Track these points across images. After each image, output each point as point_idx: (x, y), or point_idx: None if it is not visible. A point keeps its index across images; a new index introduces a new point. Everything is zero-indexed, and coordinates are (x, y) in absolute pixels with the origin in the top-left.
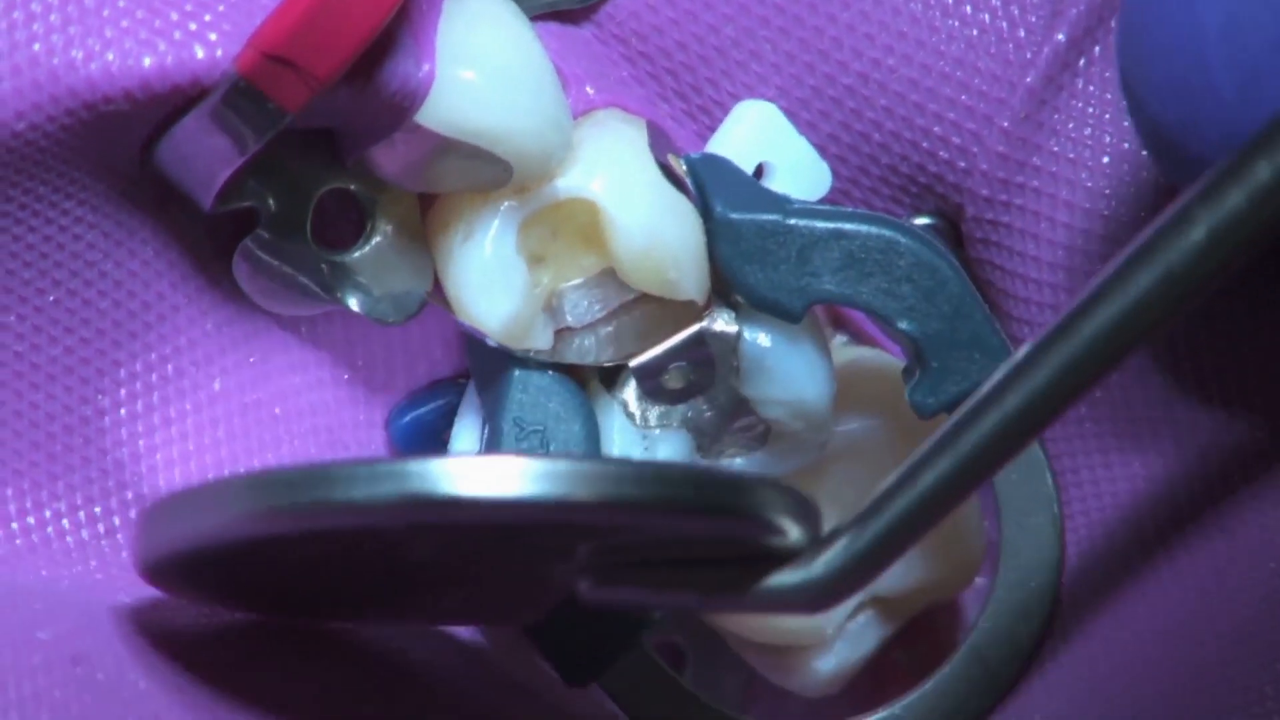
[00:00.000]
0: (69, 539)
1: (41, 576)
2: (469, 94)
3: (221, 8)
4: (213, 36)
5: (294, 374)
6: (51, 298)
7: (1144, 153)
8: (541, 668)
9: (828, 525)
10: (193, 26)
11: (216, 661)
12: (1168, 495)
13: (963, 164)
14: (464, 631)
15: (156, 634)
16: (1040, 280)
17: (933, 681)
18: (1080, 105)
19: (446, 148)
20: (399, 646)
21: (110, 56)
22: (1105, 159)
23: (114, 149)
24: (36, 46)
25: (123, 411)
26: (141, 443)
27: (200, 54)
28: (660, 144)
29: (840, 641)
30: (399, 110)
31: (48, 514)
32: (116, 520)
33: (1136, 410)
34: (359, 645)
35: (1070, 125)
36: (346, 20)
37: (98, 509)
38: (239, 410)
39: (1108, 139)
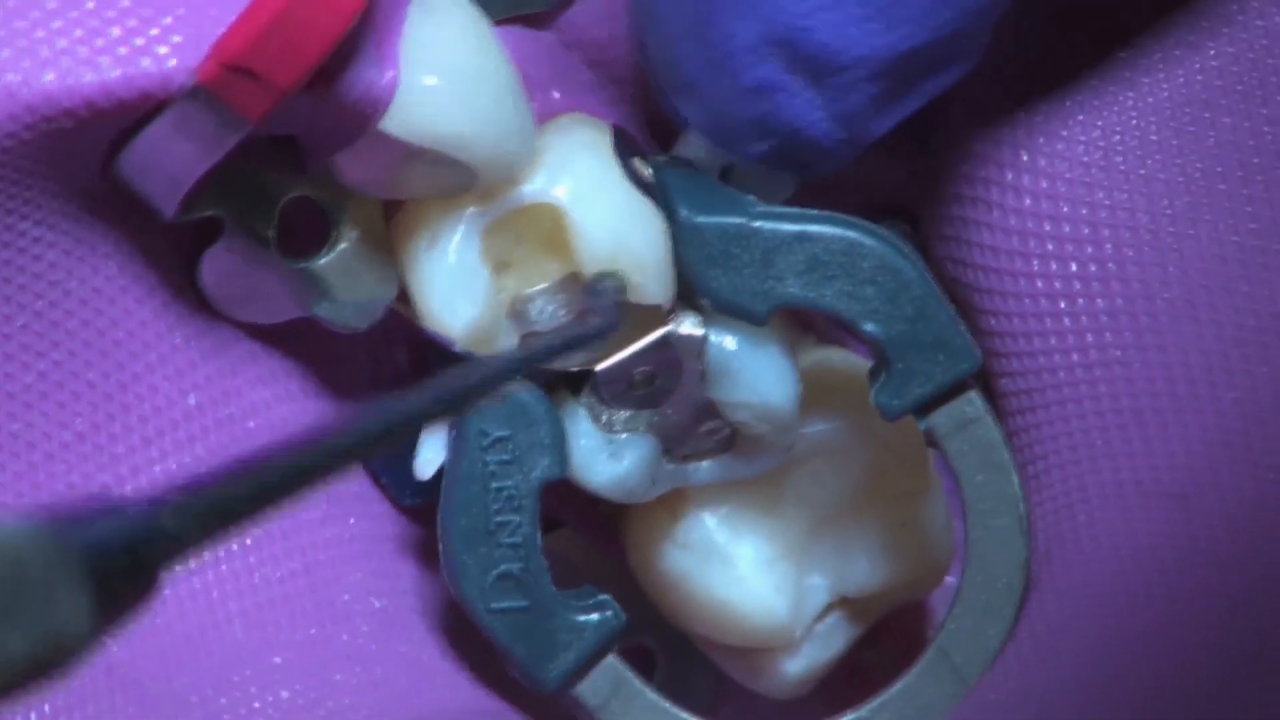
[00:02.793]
0: None
1: None
2: (432, 100)
3: (169, 20)
4: (162, 50)
5: (264, 386)
6: (19, 322)
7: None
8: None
9: (797, 524)
10: (138, 42)
11: None
12: (1134, 495)
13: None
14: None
15: (139, 683)
16: (1013, 271)
17: (900, 683)
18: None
19: (410, 154)
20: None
21: (48, 77)
22: (1061, 141)
23: (68, 165)
24: None
25: (103, 434)
26: (124, 465)
27: (149, 67)
28: (625, 148)
29: (809, 643)
30: (362, 117)
31: None
32: None
33: (1104, 404)
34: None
35: (1039, 119)
36: (307, 30)
37: None
38: (214, 426)
39: (1068, 122)
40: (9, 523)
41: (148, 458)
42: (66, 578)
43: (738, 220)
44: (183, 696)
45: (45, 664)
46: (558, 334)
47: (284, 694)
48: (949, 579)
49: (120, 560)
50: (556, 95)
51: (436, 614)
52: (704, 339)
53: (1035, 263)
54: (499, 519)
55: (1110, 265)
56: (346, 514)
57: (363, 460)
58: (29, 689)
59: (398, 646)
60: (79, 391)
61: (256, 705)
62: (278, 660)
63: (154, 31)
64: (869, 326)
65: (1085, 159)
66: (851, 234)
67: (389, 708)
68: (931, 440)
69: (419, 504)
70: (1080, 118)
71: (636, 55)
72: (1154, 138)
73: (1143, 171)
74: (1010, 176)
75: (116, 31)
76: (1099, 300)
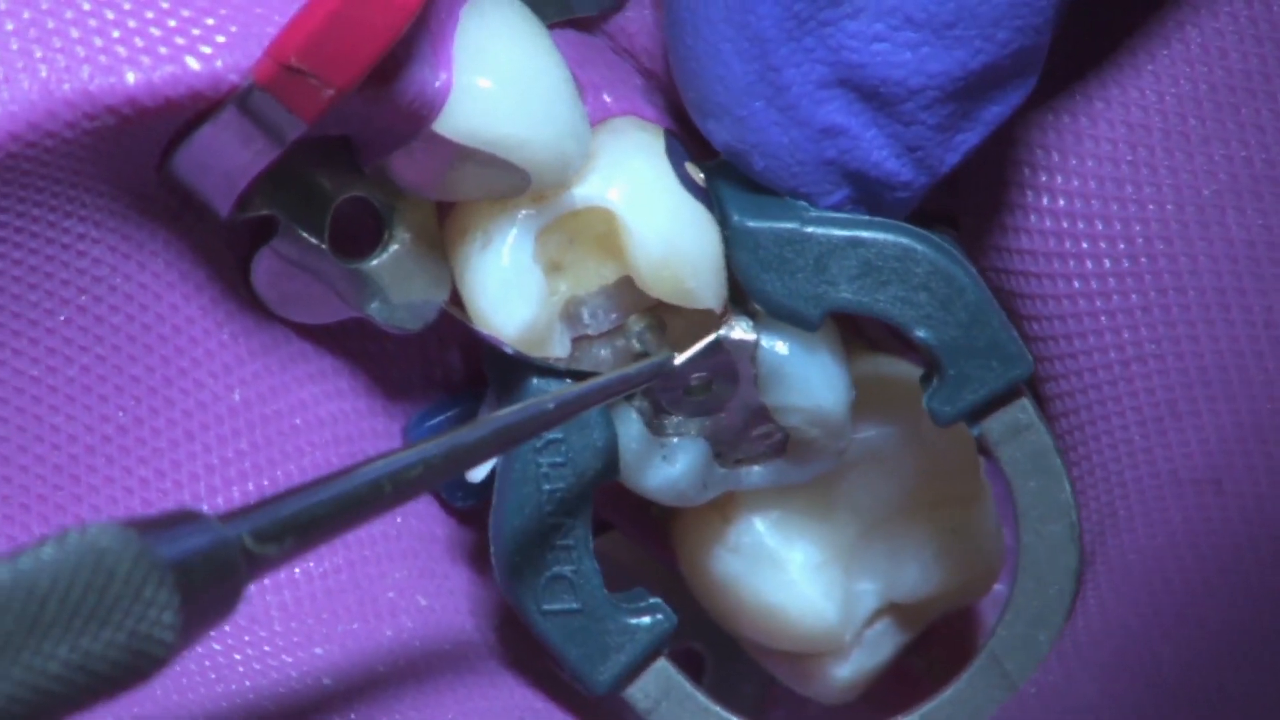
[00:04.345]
0: None
1: None
2: (487, 102)
3: (211, 21)
4: (206, 50)
5: (312, 384)
6: (62, 317)
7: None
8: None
9: (848, 530)
10: (180, 41)
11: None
12: (1170, 485)
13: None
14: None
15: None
16: (1051, 273)
17: (951, 689)
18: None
19: (464, 156)
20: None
21: (87, 74)
22: (1089, 139)
23: (116, 163)
24: None
25: (145, 428)
26: (166, 459)
27: (196, 66)
28: (678, 152)
29: (858, 649)
30: (416, 119)
31: None
32: None
33: (1140, 399)
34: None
35: (1066, 119)
36: (364, 30)
37: None
38: (260, 421)
39: (1095, 120)
40: (98, 528)
41: (190, 452)
42: (154, 586)
43: (791, 225)
44: (222, 684)
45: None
46: (620, 372)
47: (326, 681)
48: (997, 586)
49: (206, 573)
50: (609, 99)
51: (483, 614)
52: (756, 343)
53: (1071, 263)
54: (551, 521)
55: (1142, 260)
56: (394, 513)
57: (432, 485)
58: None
59: (443, 645)
60: (122, 385)
61: (297, 688)
62: (319, 651)
63: (198, 31)
64: (922, 332)
65: (1113, 155)
66: (905, 240)
67: (434, 702)
68: (983, 447)
69: (470, 505)
70: (1106, 115)
71: (695, 122)
72: (1179, 129)
73: (1169, 164)
74: (1043, 179)
75: (158, 31)
76: (1132, 296)
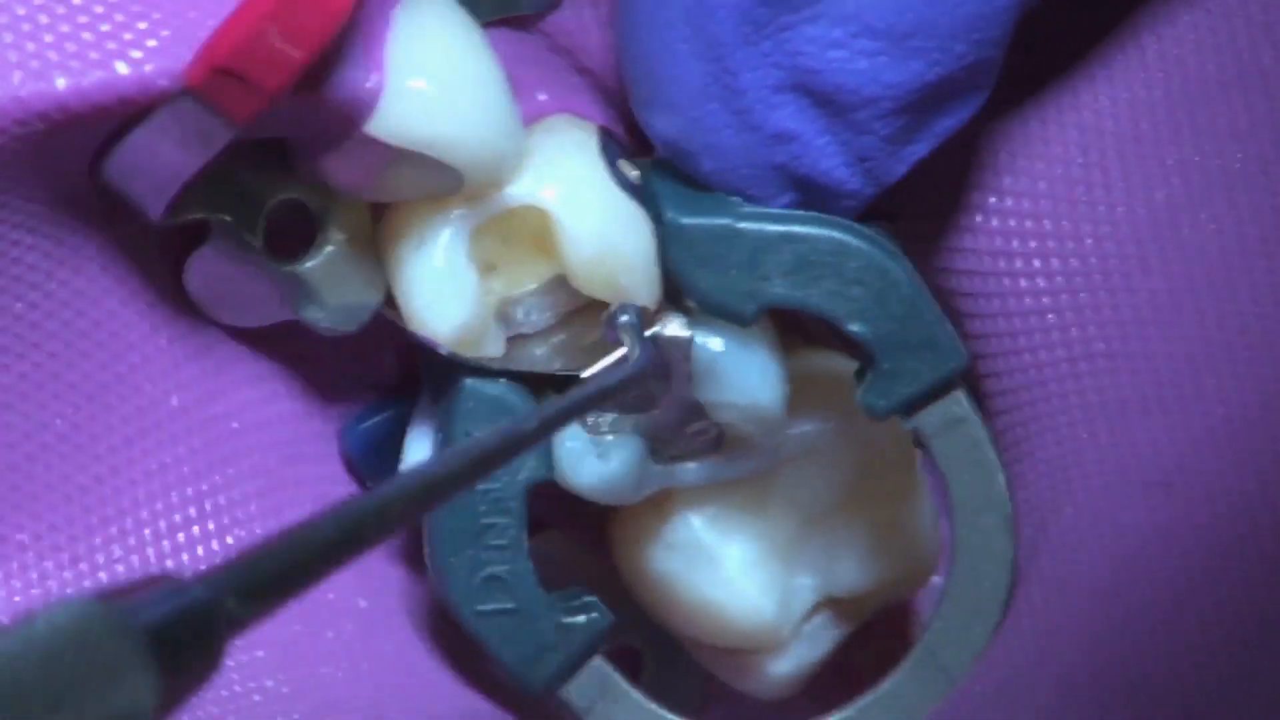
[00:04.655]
0: (32, 573)
1: None
2: (419, 104)
3: (144, 25)
4: (136, 54)
5: (249, 387)
6: None
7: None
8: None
9: (784, 525)
10: (111, 46)
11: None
12: (1119, 486)
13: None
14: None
15: None
16: (996, 271)
17: (888, 683)
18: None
19: (397, 157)
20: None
21: (17, 80)
22: (1040, 141)
23: (47, 169)
24: None
25: (83, 434)
26: (105, 464)
27: (125, 71)
28: (612, 150)
29: (796, 643)
30: (348, 121)
31: (11, 548)
32: (81, 548)
33: (1088, 398)
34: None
35: (1018, 123)
36: (295, 33)
37: (62, 538)
38: (198, 425)
39: (1046, 123)
40: (73, 603)
41: (129, 458)
42: (132, 658)
43: (724, 221)
44: None
45: None
46: (597, 380)
47: (269, 683)
48: (935, 579)
49: (183, 639)
50: (543, 97)
51: (422, 616)
52: (690, 340)
53: (1018, 262)
54: (486, 521)
55: (1092, 260)
56: None
57: (406, 523)
58: None
59: (383, 646)
60: (60, 392)
61: (238, 690)
62: (260, 654)
63: (128, 36)
64: (855, 326)
65: (1064, 157)
66: (838, 234)
67: (374, 703)
68: (918, 440)
69: None
70: (1058, 116)
71: (640, 121)
72: (1132, 133)
73: (1122, 167)
74: (993, 180)
75: (89, 36)
76: (1081, 295)
